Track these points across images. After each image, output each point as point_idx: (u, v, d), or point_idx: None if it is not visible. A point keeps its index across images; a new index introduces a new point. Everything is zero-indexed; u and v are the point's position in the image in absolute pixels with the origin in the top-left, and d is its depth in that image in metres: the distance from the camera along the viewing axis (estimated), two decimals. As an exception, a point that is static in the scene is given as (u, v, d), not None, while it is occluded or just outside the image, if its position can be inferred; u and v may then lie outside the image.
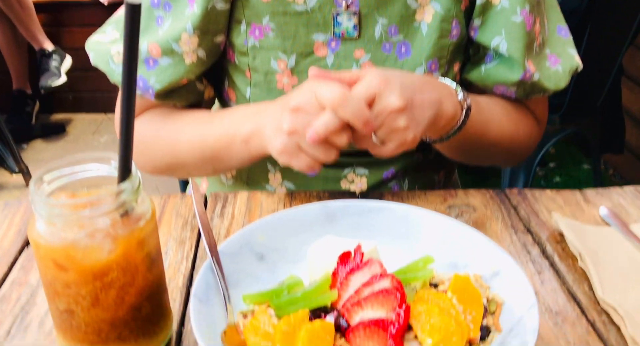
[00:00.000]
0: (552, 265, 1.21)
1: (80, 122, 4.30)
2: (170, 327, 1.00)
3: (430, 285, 1.03)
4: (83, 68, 3.93)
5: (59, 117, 4.39)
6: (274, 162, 1.54)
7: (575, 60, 1.19)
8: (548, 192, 1.45)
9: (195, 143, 1.17)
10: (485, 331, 0.96)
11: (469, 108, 1.07)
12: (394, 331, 0.88)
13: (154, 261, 0.93)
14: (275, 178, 1.56)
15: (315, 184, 1.34)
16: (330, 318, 0.96)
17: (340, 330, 0.94)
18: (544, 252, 1.25)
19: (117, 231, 0.86)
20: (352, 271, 0.99)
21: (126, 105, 0.81)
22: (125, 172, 0.88)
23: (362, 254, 1.01)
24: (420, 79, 1.02)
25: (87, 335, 0.89)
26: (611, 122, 3.21)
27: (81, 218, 0.83)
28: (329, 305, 0.99)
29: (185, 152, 1.19)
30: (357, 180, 1.50)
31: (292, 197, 1.43)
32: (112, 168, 0.92)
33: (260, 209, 1.39)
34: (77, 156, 0.90)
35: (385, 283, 0.95)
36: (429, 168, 1.41)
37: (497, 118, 1.32)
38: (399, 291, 0.91)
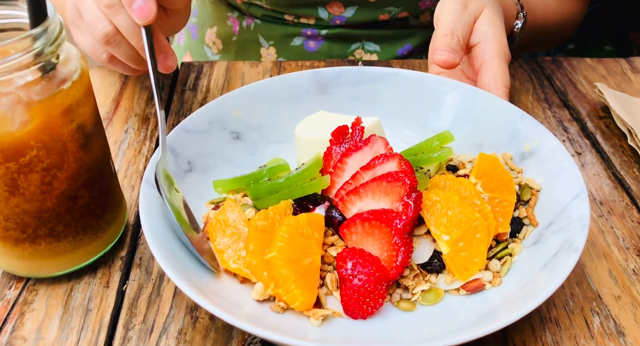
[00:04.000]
0: (595, 145, 0.99)
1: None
2: (122, 222, 0.81)
3: (448, 168, 0.82)
4: None
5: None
6: (268, 34, 1.29)
7: None
8: (587, 60, 1.21)
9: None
10: (517, 226, 0.76)
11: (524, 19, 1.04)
12: (400, 225, 0.68)
13: (91, 137, 0.71)
14: (268, 53, 1.31)
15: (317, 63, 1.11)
16: (320, 211, 0.76)
17: (333, 224, 0.74)
18: (584, 129, 1.03)
19: (32, 96, 0.64)
20: (349, 151, 0.77)
21: None
22: (37, 13, 0.64)
23: (362, 129, 0.79)
24: None
25: (9, 231, 0.70)
26: (638, -5, 2.88)
27: (-23, 77, 0.61)
28: (319, 193, 0.78)
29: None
30: (367, 58, 1.27)
31: (281, 68, 1.19)
32: (22, 11, 0.68)
33: (241, 82, 1.15)
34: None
35: (391, 166, 0.73)
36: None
37: (547, 6, 1.21)
38: (408, 176, 0.70)
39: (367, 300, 0.68)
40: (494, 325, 0.59)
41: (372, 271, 0.68)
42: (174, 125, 0.88)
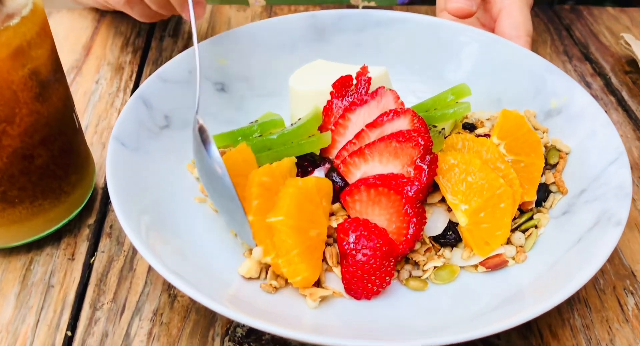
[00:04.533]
0: (621, 102, 0.89)
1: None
2: (89, 184, 0.70)
3: (465, 127, 0.72)
4: None
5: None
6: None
7: None
8: (609, 9, 1.10)
9: None
10: (543, 193, 0.66)
11: None
12: (412, 192, 0.59)
13: (48, 86, 0.60)
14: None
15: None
16: (319, 173, 0.66)
17: (333, 190, 0.64)
18: (608, 85, 0.92)
19: (-30, 33, 0.52)
20: (352, 106, 0.67)
21: None
22: None
23: (369, 81, 0.68)
24: None
25: (-48, 196, 0.59)
26: None
27: None
28: (317, 154, 0.68)
29: None
30: (365, 5, 1.14)
31: (272, 13, 1.07)
32: None
33: (227, 28, 1.03)
34: None
35: (402, 124, 0.63)
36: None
37: None
38: (421, 135, 0.60)
39: (372, 278, 0.58)
40: (520, 316, 0.50)
41: (378, 245, 0.58)
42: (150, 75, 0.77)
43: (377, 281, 0.59)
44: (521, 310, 0.51)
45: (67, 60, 0.94)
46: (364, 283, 0.59)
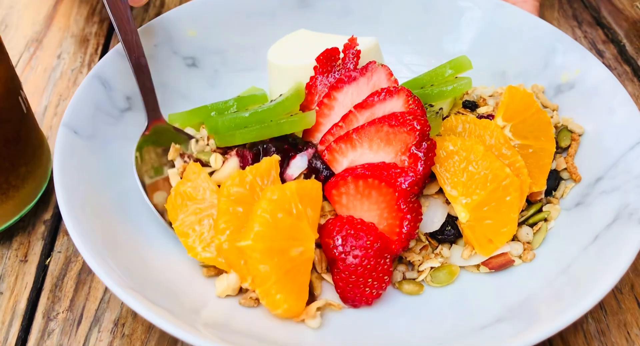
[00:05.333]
0: (636, 72, 0.82)
1: None
2: (43, 176, 0.63)
3: (465, 105, 0.64)
4: None
5: None
6: None
7: None
8: (622, -31, 1.00)
9: None
10: (553, 181, 0.59)
11: None
12: (406, 185, 0.51)
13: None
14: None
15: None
16: (302, 160, 0.58)
17: (318, 179, 0.56)
18: (622, 53, 0.84)
19: None
20: (339, 83, 0.59)
21: None
22: None
23: (358, 54, 0.60)
24: None
25: None
26: None
27: None
28: (299, 138, 0.60)
29: None
30: None
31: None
32: None
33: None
34: None
35: (395, 105, 0.55)
36: None
37: None
38: (417, 118, 0.52)
39: (369, 280, 0.52)
40: (533, 336, 0.43)
41: (368, 243, 0.51)
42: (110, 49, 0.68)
43: (375, 283, 0.52)
44: (533, 325, 0.44)
45: (26, 33, 0.86)
46: (360, 289, 0.52)
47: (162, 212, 0.56)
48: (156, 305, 0.45)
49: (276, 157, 0.55)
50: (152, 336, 0.54)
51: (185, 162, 0.60)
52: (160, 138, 0.61)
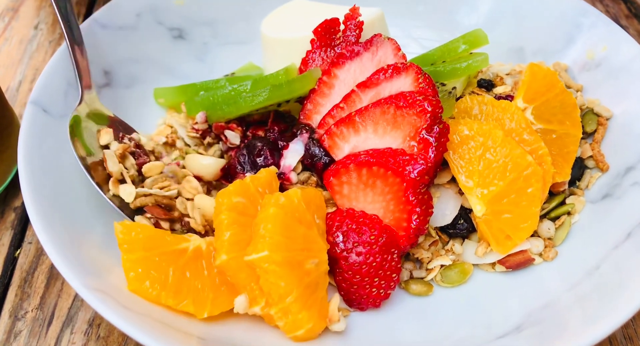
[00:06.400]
0: (662, 51, 0.74)
1: None
2: (12, 159, 0.57)
3: (480, 84, 0.58)
4: None
5: None
6: None
7: None
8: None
9: None
10: (577, 169, 0.53)
11: None
12: (415, 173, 0.45)
13: None
14: None
15: None
16: (297, 146, 0.52)
17: (316, 167, 0.51)
18: (647, 30, 0.78)
19: None
20: (340, 59, 0.52)
21: None
22: None
23: (361, 25, 0.53)
24: None
25: None
26: None
27: None
28: (296, 115, 0.55)
29: None
30: None
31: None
32: None
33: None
34: None
35: (403, 83, 0.49)
36: None
37: None
38: (428, 99, 0.46)
39: (375, 280, 0.46)
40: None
41: (372, 238, 0.46)
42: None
43: (383, 282, 0.47)
44: (558, 339, 0.38)
45: (0, 1, 0.79)
46: (366, 290, 0.46)
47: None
48: (127, 309, 0.39)
49: (274, 170, 0.50)
50: (131, 338, 0.48)
51: (123, 143, 0.53)
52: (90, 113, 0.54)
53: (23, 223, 0.56)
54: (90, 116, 0.52)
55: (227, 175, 0.53)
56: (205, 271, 0.44)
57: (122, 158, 0.51)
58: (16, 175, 0.58)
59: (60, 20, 0.53)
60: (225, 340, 0.42)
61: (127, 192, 0.49)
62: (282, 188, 0.51)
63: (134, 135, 0.53)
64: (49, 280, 0.52)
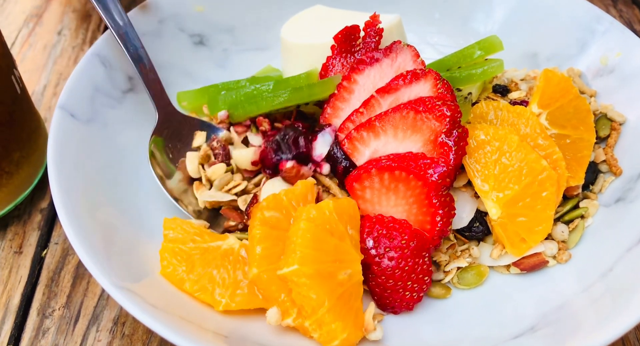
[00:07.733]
0: (675, 57, 0.75)
1: None
2: (39, 162, 0.59)
3: (496, 90, 0.59)
4: None
5: None
6: None
7: None
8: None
9: None
10: (590, 174, 0.54)
11: None
12: (436, 176, 0.46)
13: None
14: None
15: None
16: (324, 139, 0.53)
17: (337, 170, 0.52)
18: (660, 35, 0.78)
19: None
20: (360, 65, 0.54)
21: None
22: None
23: (380, 32, 0.55)
24: None
25: None
26: None
27: None
28: (317, 116, 0.56)
29: None
30: None
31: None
32: None
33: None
34: None
35: (422, 89, 0.50)
36: None
37: None
38: (447, 104, 0.47)
39: (408, 283, 0.48)
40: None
41: (403, 242, 0.47)
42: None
43: (416, 286, 0.48)
44: (571, 339, 0.39)
45: (25, 7, 0.81)
46: (400, 294, 0.48)
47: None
48: (153, 307, 0.40)
49: (312, 182, 0.51)
50: (155, 336, 0.50)
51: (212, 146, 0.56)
52: (172, 129, 0.57)
53: (49, 224, 0.58)
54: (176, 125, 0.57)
55: (263, 165, 0.55)
56: (230, 268, 0.46)
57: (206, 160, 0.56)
58: (43, 177, 0.60)
59: (129, 58, 0.56)
60: (250, 339, 0.43)
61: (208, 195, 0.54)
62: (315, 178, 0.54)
63: (220, 136, 0.57)
64: (75, 279, 0.54)
